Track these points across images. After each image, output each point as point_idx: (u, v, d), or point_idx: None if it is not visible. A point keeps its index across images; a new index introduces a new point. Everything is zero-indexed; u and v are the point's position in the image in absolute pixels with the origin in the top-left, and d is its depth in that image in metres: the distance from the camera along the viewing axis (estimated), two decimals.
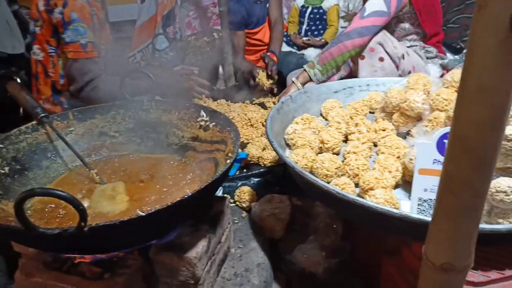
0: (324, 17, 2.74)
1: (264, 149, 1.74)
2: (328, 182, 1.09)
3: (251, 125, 1.98)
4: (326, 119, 1.46)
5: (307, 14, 2.78)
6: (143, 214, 0.78)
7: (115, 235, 0.82)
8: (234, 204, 1.48)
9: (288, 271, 1.22)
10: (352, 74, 2.07)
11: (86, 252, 0.91)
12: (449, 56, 2.95)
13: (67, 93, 1.63)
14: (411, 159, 0.99)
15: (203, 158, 1.26)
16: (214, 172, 1.17)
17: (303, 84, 1.74)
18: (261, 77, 2.41)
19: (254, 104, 2.29)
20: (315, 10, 2.76)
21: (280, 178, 1.61)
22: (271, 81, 2.39)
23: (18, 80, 2.49)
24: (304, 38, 2.81)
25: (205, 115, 1.29)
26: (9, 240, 0.91)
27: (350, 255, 1.21)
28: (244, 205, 1.48)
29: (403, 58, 1.70)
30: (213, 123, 1.26)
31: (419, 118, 1.25)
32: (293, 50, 2.76)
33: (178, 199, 0.83)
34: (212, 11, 3.52)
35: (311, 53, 2.76)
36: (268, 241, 1.33)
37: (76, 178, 1.23)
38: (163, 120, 1.36)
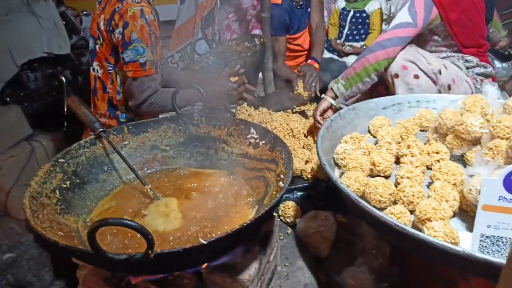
0: (367, 21, 2.68)
1: (307, 162, 1.74)
2: (382, 209, 1.08)
3: (293, 136, 1.98)
4: (374, 137, 1.45)
5: (348, 18, 2.73)
6: (205, 242, 0.80)
7: (177, 260, 0.85)
8: (278, 219, 1.49)
9: None
10: (390, 92, 2.01)
11: (147, 273, 0.94)
12: (497, 64, 2.83)
13: (123, 107, 1.68)
14: (470, 190, 0.97)
15: (252, 175, 1.27)
16: (264, 191, 1.18)
17: (334, 97, 1.72)
18: (300, 88, 2.40)
19: (295, 112, 2.29)
20: (358, 14, 2.70)
21: (323, 193, 1.61)
22: (309, 93, 2.38)
23: (63, 79, 2.61)
24: (345, 47, 2.76)
25: (255, 132, 1.30)
26: (77, 259, 0.95)
27: (399, 280, 1.20)
28: (288, 220, 1.49)
29: (440, 73, 1.65)
30: (263, 141, 1.27)
31: (475, 142, 1.21)
32: (335, 57, 2.72)
33: (238, 227, 0.85)
34: (251, 13, 3.52)
35: (352, 60, 2.71)
36: (314, 259, 1.34)
37: (130, 192, 1.27)
38: (212, 135, 1.38)
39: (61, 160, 1.17)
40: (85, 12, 3.52)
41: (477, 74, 1.77)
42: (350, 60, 2.73)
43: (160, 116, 1.48)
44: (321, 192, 1.61)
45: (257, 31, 3.33)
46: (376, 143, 1.40)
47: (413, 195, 1.04)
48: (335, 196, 1.55)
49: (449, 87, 1.69)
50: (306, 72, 2.37)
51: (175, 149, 1.40)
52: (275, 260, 1.23)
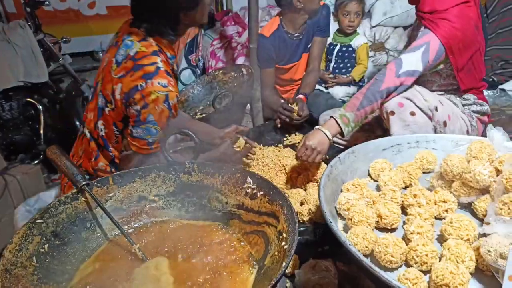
0: (353, 55, 2.67)
1: (302, 203, 1.66)
2: (392, 269, 1.01)
3: (286, 173, 1.91)
4: (375, 181, 1.38)
5: (335, 52, 2.71)
6: None
7: None
8: None
9: None
10: (384, 126, 1.97)
11: None
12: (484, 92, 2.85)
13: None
14: (489, 252, 0.90)
15: (250, 229, 1.18)
16: (264, 249, 1.09)
17: (334, 134, 1.62)
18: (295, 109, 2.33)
19: (286, 146, 2.22)
20: (344, 48, 2.69)
21: (322, 238, 1.52)
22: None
23: (40, 107, 2.46)
24: (331, 76, 2.73)
25: (251, 182, 1.22)
26: None
27: None
28: (286, 271, 1.40)
29: (436, 109, 1.61)
30: (261, 192, 1.18)
31: (483, 191, 1.16)
32: (321, 88, 2.69)
33: None
34: (237, 41, 3.48)
35: (337, 91, 2.69)
36: None
37: (116, 252, 1.15)
38: (205, 184, 1.29)
39: (38, 221, 1.05)
40: (64, 39, 3.41)
41: (473, 111, 1.75)
42: (335, 91, 2.71)
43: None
44: (319, 237, 1.52)
45: (242, 59, 3.28)
46: (378, 188, 1.34)
47: (426, 255, 0.97)
48: (336, 241, 1.48)
49: (444, 124, 1.66)
50: (299, 102, 2.31)
51: (165, 199, 1.30)
52: None
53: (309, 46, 2.55)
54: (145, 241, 1.18)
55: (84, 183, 1.15)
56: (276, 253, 1.02)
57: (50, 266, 1.02)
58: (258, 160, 1.97)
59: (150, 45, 1.41)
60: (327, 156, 1.94)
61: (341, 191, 1.30)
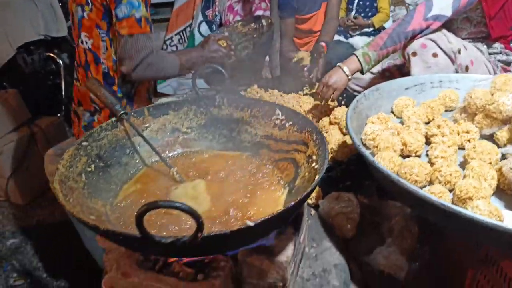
0: (374, 4, 2.64)
1: None
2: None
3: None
4: (399, 117, 1.43)
5: (356, 1, 2.68)
6: (252, 224, 0.78)
7: (222, 242, 0.82)
8: None
9: (365, 273, 1.22)
10: (406, 68, 1.99)
11: (190, 256, 0.92)
12: None
13: (120, 80, 1.60)
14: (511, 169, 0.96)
15: (279, 157, 1.25)
16: (294, 172, 1.16)
17: (353, 71, 1.67)
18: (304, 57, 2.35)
19: (305, 95, 2.26)
20: None
21: (343, 175, 1.59)
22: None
23: (60, 62, 2.44)
24: (350, 21, 2.70)
25: (280, 113, 1.27)
26: (118, 243, 0.91)
27: (429, 259, 1.20)
28: (310, 201, 1.47)
29: (459, 52, 1.62)
30: (290, 123, 1.24)
31: (505, 121, 1.20)
32: (341, 39, 2.68)
33: (282, 209, 0.83)
34: None
35: (357, 41, 2.67)
36: (340, 240, 1.33)
37: (154, 175, 1.24)
38: (235, 117, 1.35)
39: (84, 143, 1.13)
40: None
41: (499, 60, 1.75)
42: (355, 41, 2.69)
43: (178, 97, 1.42)
44: (340, 174, 1.59)
45: (260, 12, 3.26)
46: (401, 123, 1.39)
47: (450, 175, 1.03)
48: (357, 177, 1.55)
49: (466, 68, 1.67)
50: (314, 54, 2.32)
51: (197, 132, 1.36)
52: (304, 242, 1.22)
53: None
54: (180, 168, 1.26)
55: (122, 112, 1.22)
56: (306, 173, 1.09)
57: (97, 184, 1.10)
58: None
59: None
60: (344, 102, 1.99)
61: (366, 125, 1.35)
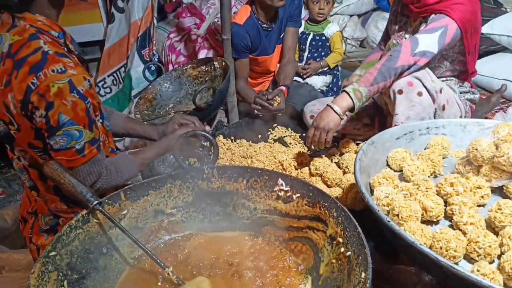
0: (327, 43, 2.63)
1: None
2: (456, 263, 0.96)
3: (284, 169, 1.82)
4: (396, 170, 1.34)
5: (308, 41, 2.65)
6: None
7: None
8: None
9: None
10: (382, 106, 1.97)
11: None
12: None
13: None
14: None
15: (289, 236, 1.08)
16: (314, 257, 1.00)
17: (345, 110, 1.56)
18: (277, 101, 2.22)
19: (275, 142, 2.12)
20: (317, 37, 2.64)
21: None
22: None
23: None
24: (301, 65, 2.67)
25: (284, 184, 1.11)
26: None
27: None
28: None
29: (441, 92, 1.63)
30: (298, 195, 1.08)
31: None
32: (297, 79, 2.62)
33: None
34: (196, 33, 3.30)
35: (315, 81, 2.64)
36: None
37: (141, 277, 1.00)
38: (228, 190, 1.16)
39: (52, 253, 0.87)
40: None
41: (467, 99, 1.78)
42: (313, 81, 2.65)
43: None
44: None
45: (204, 52, 3.11)
46: (401, 178, 1.30)
47: (489, 246, 0.94)
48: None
49: (443, 107, 1.67)
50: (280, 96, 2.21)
51: (184, 211, 1.15)
52: None
53: (281, 36, 2.46)
54: (171, 262, 1.03)
55: (96, 202, 0.97)
56: (333, 260, 0.94)
57: None
58: (252, 158, 1.87)
59: (23, 30, 1.05)
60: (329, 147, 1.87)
61: (370, 184, 1.25)
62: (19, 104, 1.03)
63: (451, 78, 1.77)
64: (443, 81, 1.74)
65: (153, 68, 3.52)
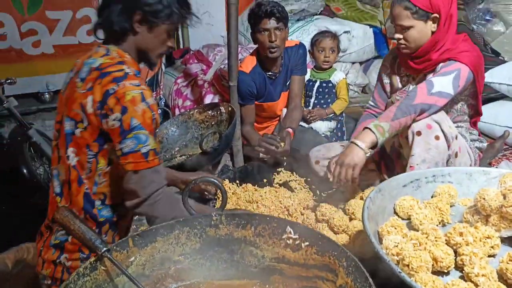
0: (333, 90, 2.71)
1: None
2: None
3: (289, 215, 1.81)
4: (403, 219, 1.34)
5: (315, 88, 2.73)
6: None
7: None
8: None
9: None
10: (395, 147, 1.94)
11: None
12: None
13: (100, 203, 1.34)
14: None
15: (298, 286, 1.07)
16: None
17: (368, 145, 1.56)
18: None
19: (278, 185, 2.13)
20: (324, 84, 2.72)
21: None
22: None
23: None
24: (306, 110, 2.73)
25: (293, 232, 1.11)
26: None
27: None
28: None
29: (456, 138, 1.65)
30: (306, 243, 1.08)
31: None
32: (303, 124, 2.67)
33: None
34: (203, 79, 3.39)
35: (320, 126, 2.69)
36: None
37: None
38: (236, 237, 1.16)
39: None
40: (9, 81, 3.08)
41: (476, 147, 1.81)
42: (317, 125, 2.70)
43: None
44: None
45: (210, 97, 3.19)
46: (409, 226, 1.30)
47: None
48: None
49: (456, 155, 1.69)
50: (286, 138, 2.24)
51: (191, 259, 1.14)
52: None
53: (287, 84, 2.54)
54: None
55: (105, 249, 0.97)
56: None
57: None
58: (257, 202, 1.87)
59: (113, 58, 1.31)
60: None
61: (378, 233, 1.24)
62: (96, 104, 1.24)
63: (462, 125, 1.79)
64: (456, 127, 1.77)
65: (159, 112, 3.59)
